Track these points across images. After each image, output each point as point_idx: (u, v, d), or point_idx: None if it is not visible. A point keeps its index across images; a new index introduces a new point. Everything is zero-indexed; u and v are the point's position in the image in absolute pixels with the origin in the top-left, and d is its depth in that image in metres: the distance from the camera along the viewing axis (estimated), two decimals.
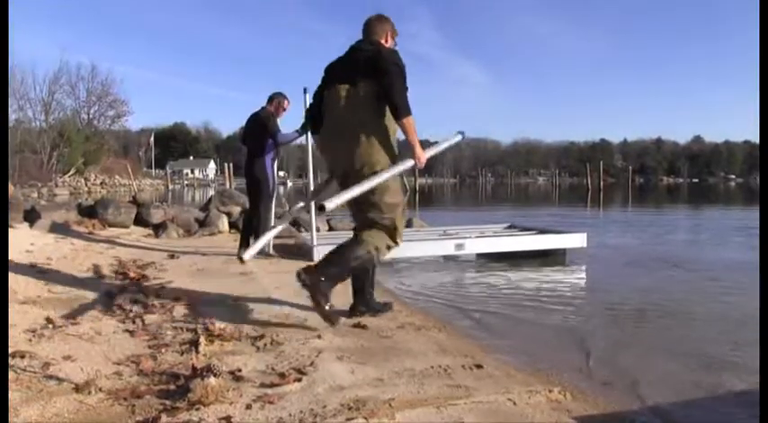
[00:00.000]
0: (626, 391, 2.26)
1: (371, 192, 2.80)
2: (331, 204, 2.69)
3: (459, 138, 3.42)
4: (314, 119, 3.06)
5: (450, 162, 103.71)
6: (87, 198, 20.87)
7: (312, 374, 2.20)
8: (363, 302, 3.13)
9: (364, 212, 2.90)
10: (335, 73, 2.93)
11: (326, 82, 2.97)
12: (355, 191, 2.73)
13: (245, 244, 5.49)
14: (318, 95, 3.02)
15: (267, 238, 3.20)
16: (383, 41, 2.96)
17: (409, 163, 2.88)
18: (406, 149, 2.92)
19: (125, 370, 2.22)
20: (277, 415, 1.83)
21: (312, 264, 2.95)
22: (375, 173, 2.80)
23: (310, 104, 3.14)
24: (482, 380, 2.23)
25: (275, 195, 5.72)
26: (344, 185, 2.87)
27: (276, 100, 5.44)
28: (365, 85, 2.77)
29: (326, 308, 2.74)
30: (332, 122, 2.91)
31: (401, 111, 2.73)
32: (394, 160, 2.88)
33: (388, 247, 2.94)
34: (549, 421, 1.89)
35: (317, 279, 2.74)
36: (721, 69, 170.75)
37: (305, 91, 5.35)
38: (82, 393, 1.96)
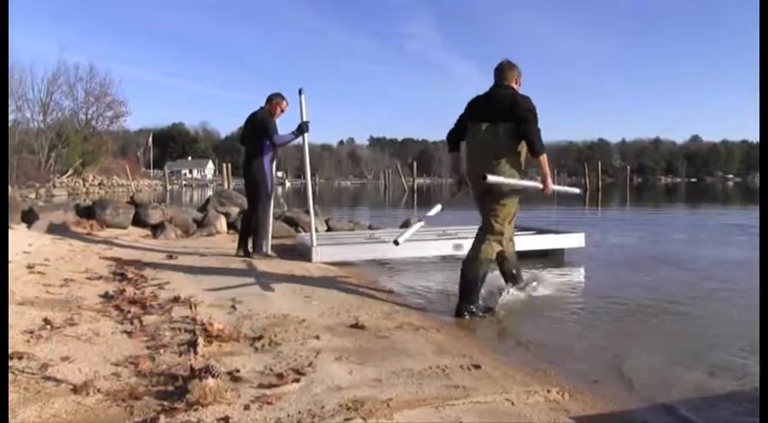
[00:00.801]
0: (624, 391, 2.27)
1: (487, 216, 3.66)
2: (492, 178, 3.44)
3: (579, 191, 4.65)
4: (452, 141, 3.85)
5: (449, 162, 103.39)
6: (85, 199, 20.80)
7: (310, 375, 2.20)
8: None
9: (484, 223, 3.72)
10: (478, 111, 3.67)
11: (470, 116, 3.72)
12: (510, 181, 3.54)
13: (243, 244, 5.51)
14: (461, 123, 3.78)
15: (420, 224, 3.97)
16: (514, 84, 3.70)
17: (539, 185, 3.69)
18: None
19: (123, 371, 2.22)
20: (275, 415, 1.83)
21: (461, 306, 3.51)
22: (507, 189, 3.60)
23: (453, 128, 3.84)
24: (480, 380, 2.24)
25: (273, 196, 5.73)
26: (485, 194, 3.66)
27: (274, 101, 5.43)
28: (504, 124, 3.53)
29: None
30: (476, 149, 3.67)
31: (537, 150, 3.52)
32: (521, 178, 3.60)
33: (498, 248, 3.72)
34: (548, 421, 1.89)
35: (469, 307, 3.49)
36: (720, 68, 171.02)
37: (300, 92, 5.36)
38: (80, 394, 1.96)
